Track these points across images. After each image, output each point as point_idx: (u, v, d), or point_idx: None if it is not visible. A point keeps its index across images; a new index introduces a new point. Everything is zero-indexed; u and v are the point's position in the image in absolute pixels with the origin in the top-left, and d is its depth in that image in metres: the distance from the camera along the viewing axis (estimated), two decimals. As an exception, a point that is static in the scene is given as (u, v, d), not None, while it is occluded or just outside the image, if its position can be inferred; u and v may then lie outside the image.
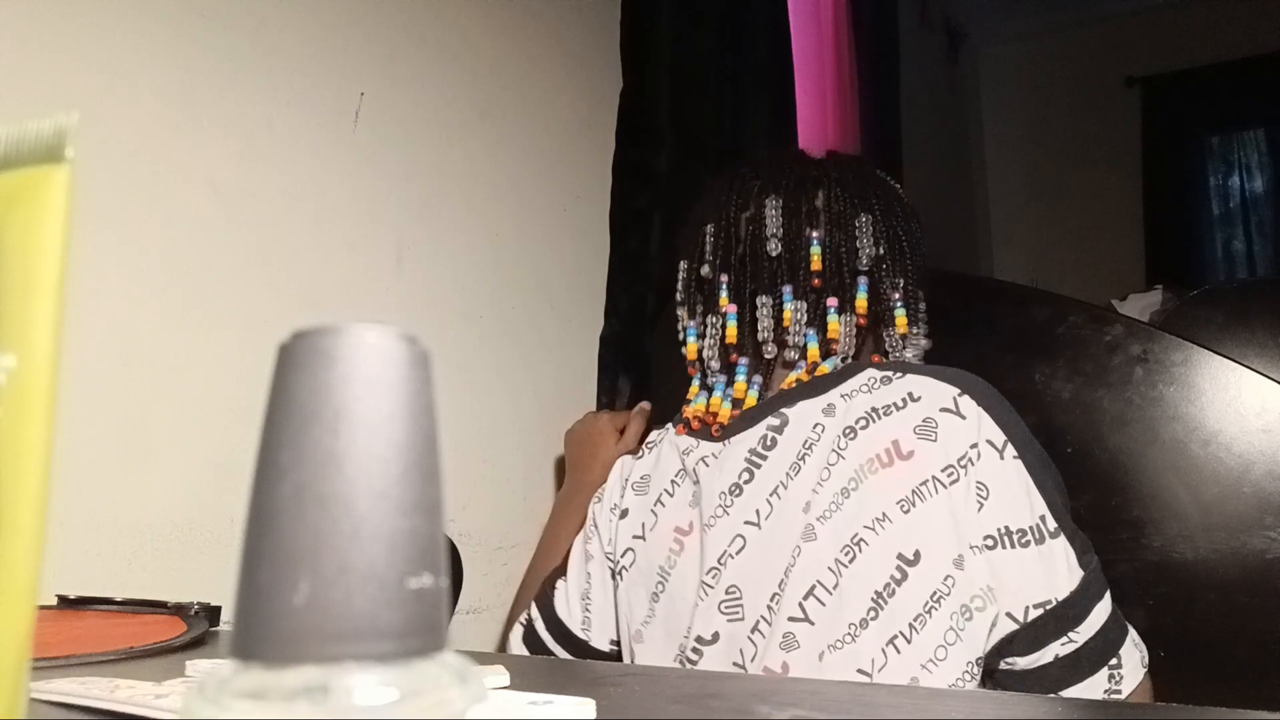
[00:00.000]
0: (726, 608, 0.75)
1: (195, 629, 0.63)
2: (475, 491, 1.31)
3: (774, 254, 0.81)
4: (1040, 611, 0.66)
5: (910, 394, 0.71)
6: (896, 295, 0.81)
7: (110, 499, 0.87)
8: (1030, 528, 0.66)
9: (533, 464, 1.42)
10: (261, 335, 1.01)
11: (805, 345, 0.79)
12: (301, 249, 1.09)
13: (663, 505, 0.81)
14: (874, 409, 0.71)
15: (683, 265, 0.89)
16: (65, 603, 0.72)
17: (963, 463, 0.67)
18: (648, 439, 0.91)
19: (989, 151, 3.88)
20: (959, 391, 0.70)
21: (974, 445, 0.68)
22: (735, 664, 0.74)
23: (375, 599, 0.18)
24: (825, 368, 0.79)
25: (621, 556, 0.84)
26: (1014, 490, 0.67)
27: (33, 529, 0.21)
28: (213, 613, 0.68)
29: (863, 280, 0.80)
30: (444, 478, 0.20)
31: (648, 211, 1.63)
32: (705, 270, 0.85)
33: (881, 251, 0.81)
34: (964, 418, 0.69)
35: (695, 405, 0.83)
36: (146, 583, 0.88)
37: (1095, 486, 0.97)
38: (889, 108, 2.75)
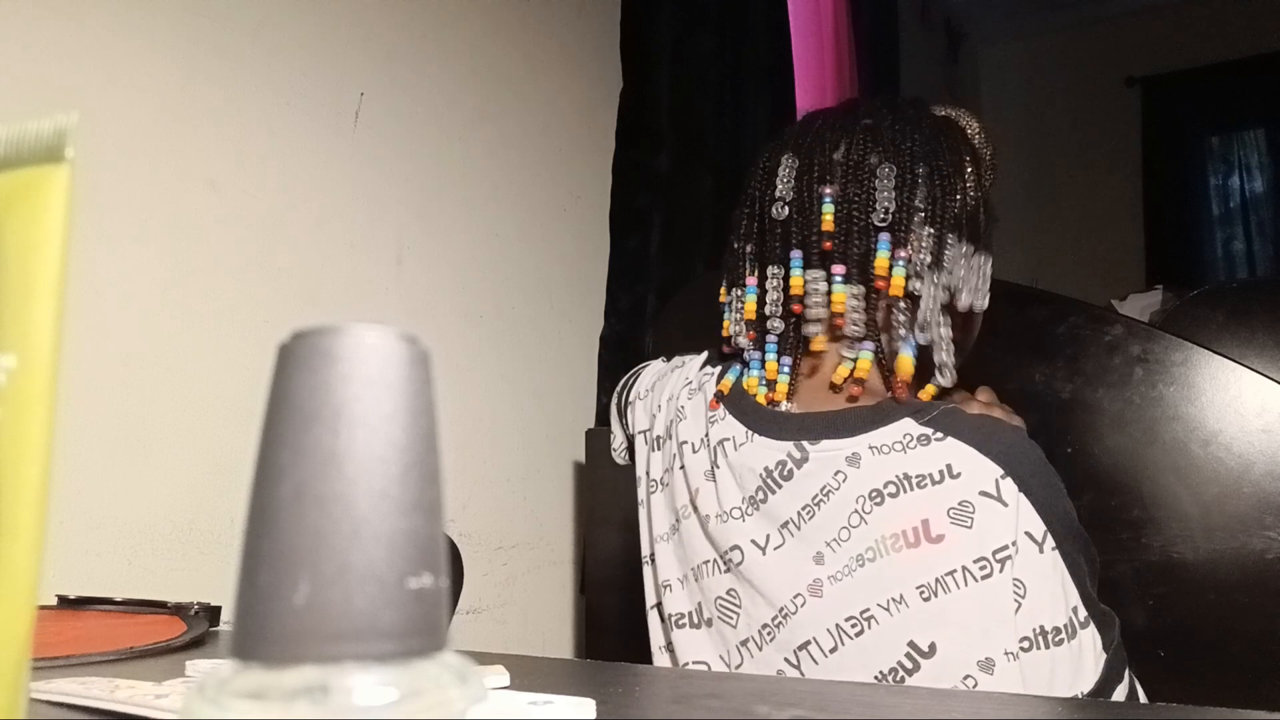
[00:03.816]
0: (722, 606, 0.74)
1: (195, 629, 0.63)
2: (475, 491, 1.31)
3: (780, 218, 0.75)
4: None
5: (949, 467, 0.65)
6: (902, 253, 0.71)
7: (110, 499, 0.87)
8: (1064, 625, 0.63)
9: (533, 464, 1.42)
10: (261, 335, 1.01)
11: (822, 323, 0.73)
12: (301, 249, 1.09)
13: (685, 456, 0.79)
14: (906, 476, 0.65)
15: (730, 242, 0.84)
16: (65, 603, 0.72)
17: (999, 556, 0.63)
18: (687, 367, 0.86)
19: (989, 151, 3.87)
20: (1002, 473, 0.64)
21: (1013, 541, 0.63)
22: (721, 657, 0.74)
23: (375, 599, 0.18)
24: (844, 371, 0.73)
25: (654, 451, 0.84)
26: (1051, 586, 0.63)
27: (33, 529, 0.21)
28: (213, 613, 0.68)
29: (884, 237, 0.71)
30: (444, 478, 0.20)
31: (648, 211, 1.63)
32: (735, 245, 0.80)
33: (905, 201, 0.72)
34: (1005, 505, 0.63)
35: (726, 381, 0.79)
36: (146, 583, 0.88)
37: (1095, 486, 0.97)
38: (889, 108, 2.75)
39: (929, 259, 0.72)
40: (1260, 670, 0.90)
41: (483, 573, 1.30)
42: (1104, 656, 0.64)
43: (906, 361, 0.71)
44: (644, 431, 0.87)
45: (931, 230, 0.72)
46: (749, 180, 0.81)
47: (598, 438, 1.43)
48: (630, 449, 0.93)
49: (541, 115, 1.50)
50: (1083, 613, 0.64)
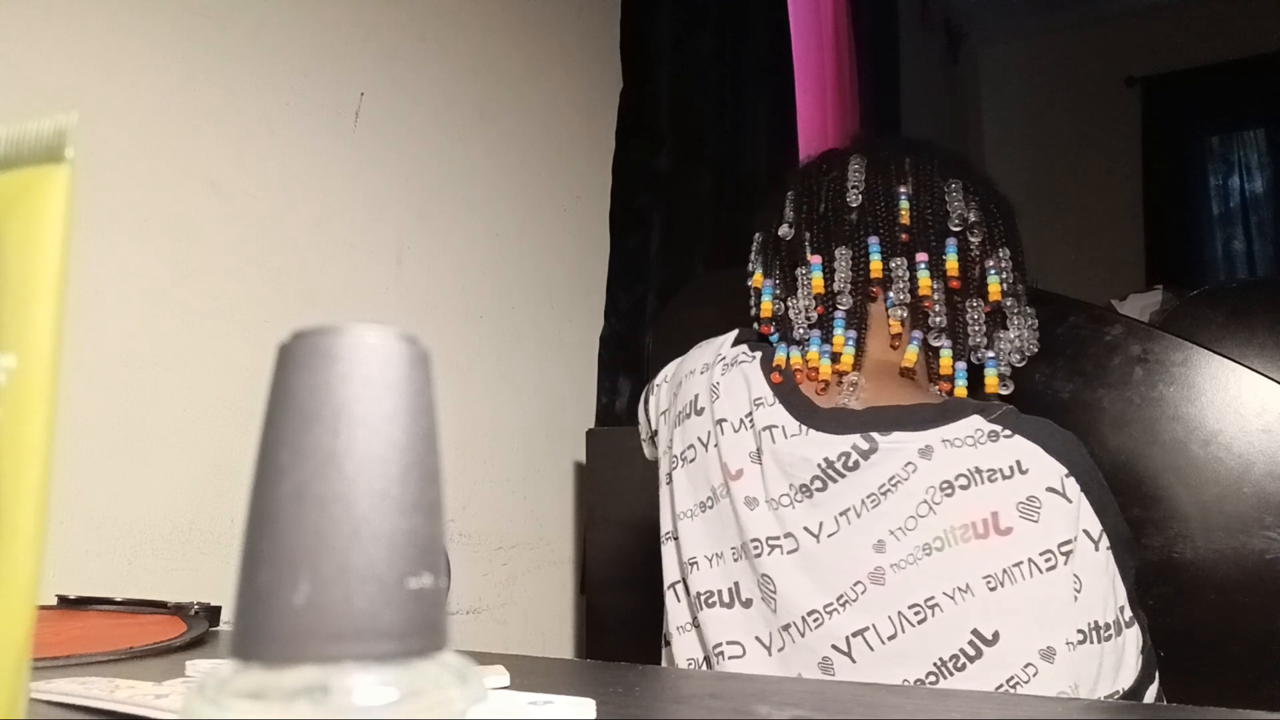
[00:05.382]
0: (763, 587, 0.74)
1: (195, 629, 0.63)
2: (475, 491, 1.31)
3: (854, 205, 0.79)
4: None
5: (1019, 463, 0.68)
6: (990, 263, 0.78)
7: (110, 499, 0.87)
8: (1113, 622, 0.66)
9: (533, 464, 1.42)
10: (261, 335, 1.01)
11: (905, 307, 0.77)
12: (301, 249, 1.10)
13: (723, 434, 0.79)
14: (978, 469, 0.68)
15: (757, 236, 0.87)
16: (65, 603, 0.72)
17: (1063, 550, 0.66)
18: (716, 343, 0.86)
19: (989, 151, 3.88)
20: (1065, 472, 0.67)
21: (1074, 537, 0.66)
22: (758, 638, 0.74)
23: (375, 599, 0.18)
24: (912, 353, 0.76)
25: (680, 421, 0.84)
26: (1103, 584, 0.66)
27: (33, 529, 0.21)
28: (213, 613, 0.68)
29: (951, 242, 0.77)
30: (444, 478, 0.20)
31: (648, 211, 1.63)
32: (784, 230, 0.83)
33: (974, 217, 0.78)
34: (1069, 501, 0.67)
35: (779, 356, 0.80)
36: (146, 583, 0.88)
37: (1095, 486, 0.96)
38: (889, 108, 2.75)
39: (1012, 279, 0.78)
40: (1260, 670, 0.90)
41: (483, 573, 1.30)
42: (1141, 658, 0.67)
43: (992, 377, 0.77)
44: (664, 411, 0.87)
45: (1009, 252, 0.78)
46: (801, 177, 0.84)
47: (598, 438, 1.43)
48: (654, 435, 0.93)
49: (541, 115, 1.50)
50: (1128, 613, 0.67)
